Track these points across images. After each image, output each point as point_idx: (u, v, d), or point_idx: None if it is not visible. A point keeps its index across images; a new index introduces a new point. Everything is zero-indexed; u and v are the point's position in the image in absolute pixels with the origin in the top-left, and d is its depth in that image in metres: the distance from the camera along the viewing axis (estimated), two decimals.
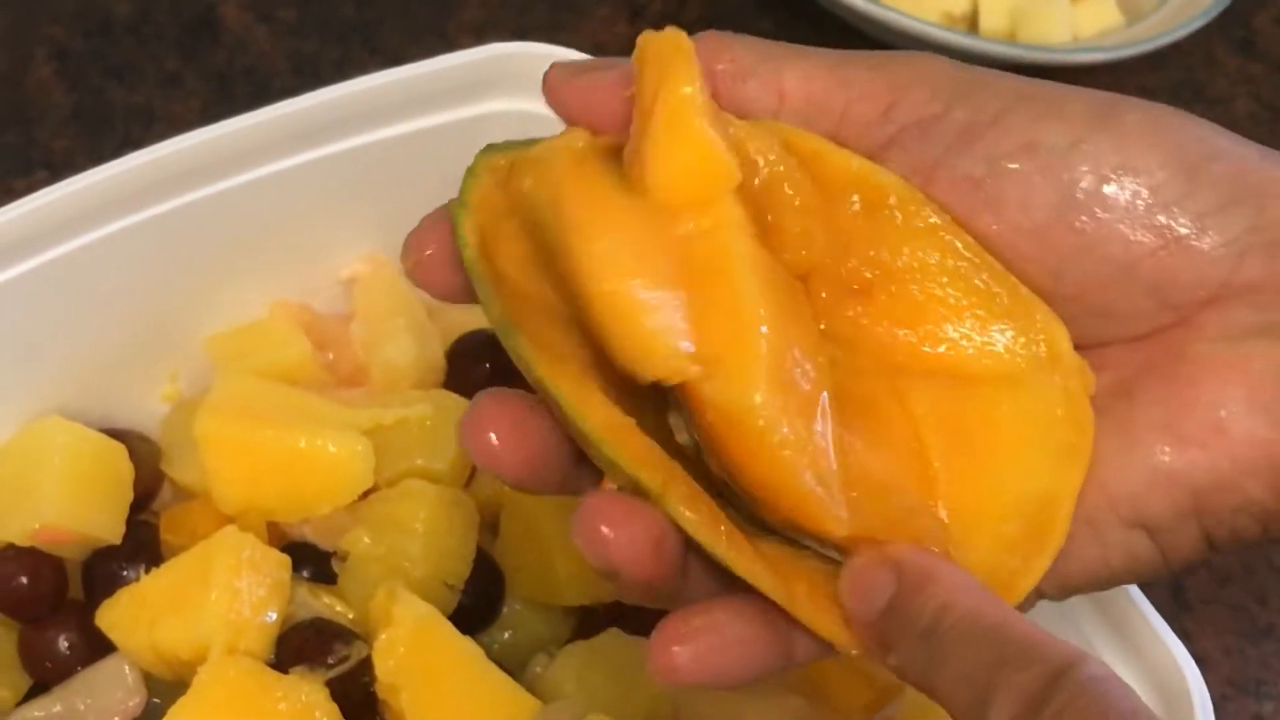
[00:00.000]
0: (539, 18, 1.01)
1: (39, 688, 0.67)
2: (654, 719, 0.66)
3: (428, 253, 0.46)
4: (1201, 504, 0.44)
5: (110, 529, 0.67)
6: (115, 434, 0.69)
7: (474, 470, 0.71)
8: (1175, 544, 0.45)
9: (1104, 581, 0.47)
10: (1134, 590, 0.62)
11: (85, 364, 0.70)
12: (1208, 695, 0.59)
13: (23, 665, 0.68)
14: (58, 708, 0.65)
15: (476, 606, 0.68)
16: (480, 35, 0.98)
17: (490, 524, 0.70)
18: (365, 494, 0.67)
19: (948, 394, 0.46)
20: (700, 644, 0.46)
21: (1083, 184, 0.44)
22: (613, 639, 0.67)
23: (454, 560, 0.67)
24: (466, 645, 0.64)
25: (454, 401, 0.70)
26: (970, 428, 0.46)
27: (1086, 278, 0.45)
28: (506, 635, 0.69)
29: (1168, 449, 0.44)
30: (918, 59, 0.47)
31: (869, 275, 0.46)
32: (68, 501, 0.66)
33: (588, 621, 0.69)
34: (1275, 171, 0.44)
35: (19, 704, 0.67)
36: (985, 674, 0.40)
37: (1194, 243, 0.43)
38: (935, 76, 0.46)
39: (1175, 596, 0.82)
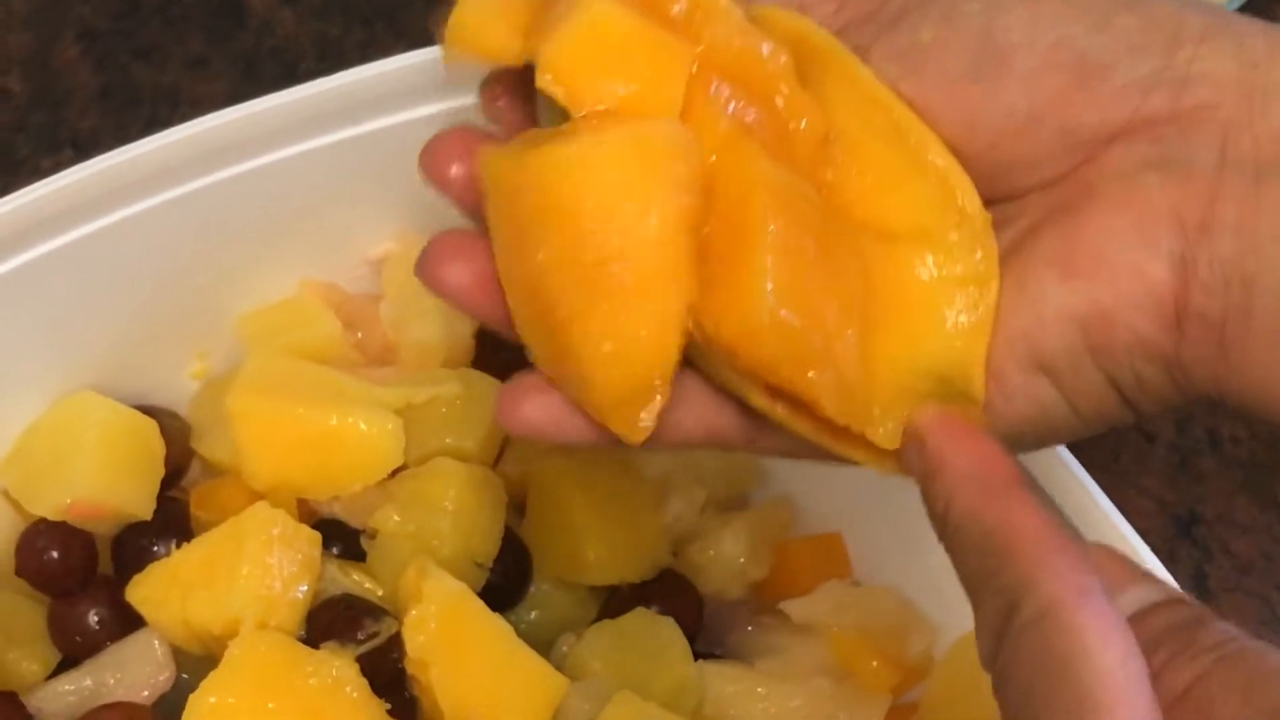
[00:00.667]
0: None
1: (68, 662, 0.68)
2: (679, 697, 0.66)
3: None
4: (1092, 340, 0.44)
5: (141, 505, 0.67)
6: (146, 411, 0.70)
7: (503, 450, 0.71)
8: (1079, 390, 0.45)
9: (1019, 440, 0.46)
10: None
11: (115, 342, 0.70)
12: None
13: (52, 639, 0.68)
14: (87, 682, 0.65)
15: (504, 585, 0.68)
16: None
17: (517, 504, 0.70)
18: (395, 472, 0.68)
19: (873, 249, 0.46)
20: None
21: (994, 40, 0.44)
22: (639, 618, 0.67)
23: (483, 539, 0.67)
24: (496, 622, 0.64)
25: (483, 381, 0.70)
26: (888, 285, 0.46)
27: (999, 129, 0.45)
28: (533, 615, 0.70)
29: (1055, 282, 0.44)
30: None
31: (814, 134, 0.46)
32: (101, 476, 0.66)
33: (614, 601, 0.70)
34: (1188, 16, 0.44)
35: (48, 678, 0.67)
36: (973, 585, 0.40)
37: (1101, 83, 0.44)
38: None
39: (1197, 584, 0.82)
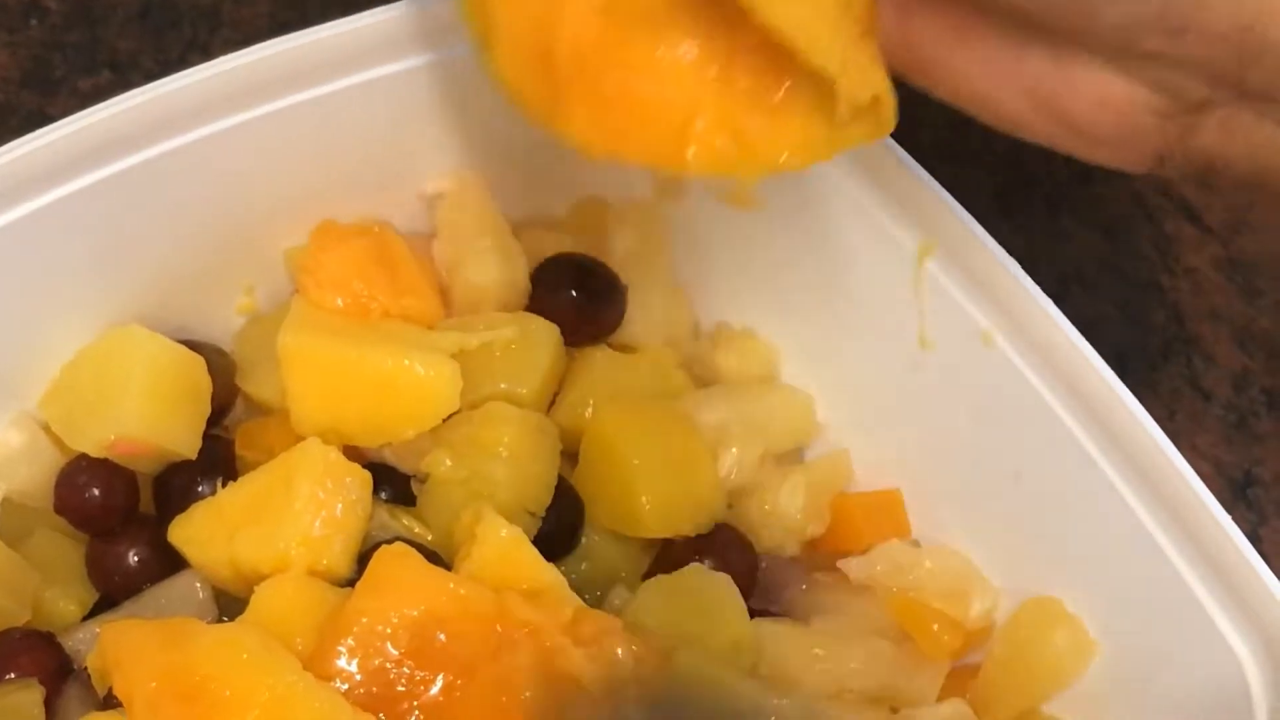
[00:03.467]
0: None
1: (106, 602, 0.66)
2: (736, 656, 0.64)
3: None
4: None
5: (187, 444, 0.65)
6: (191, 346, 0.68)
7: (556, 396, 0.69)
8: None
9: None
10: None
11: (162, 274, 0.68)
12: None
13: (90, 579, 0.66)
14: None
15: (556, 534, 0.67)
16: None
17: (570, 453, 0.69)
18: (447, 417, 0.66)
19: None
20: None
21: None
22: (696, 574, 0.66)
23: (536, 486, 0.66)
24: (549, 570, 0.63)
25: (539, 326, 0.68)
26: None
27: None
28: (584, 566, 0.68)
29: None
30: None
31: None
32: (146, 413, 0.64)
33: (666, 555, 0.68)
34: None
35: (85, 618, 0.65)
36: None
37: None
38: None
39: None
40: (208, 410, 0.66)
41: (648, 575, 0.67)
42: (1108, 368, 0.62)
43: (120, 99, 0.62)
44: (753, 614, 0.66)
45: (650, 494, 0.66)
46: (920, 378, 0.69)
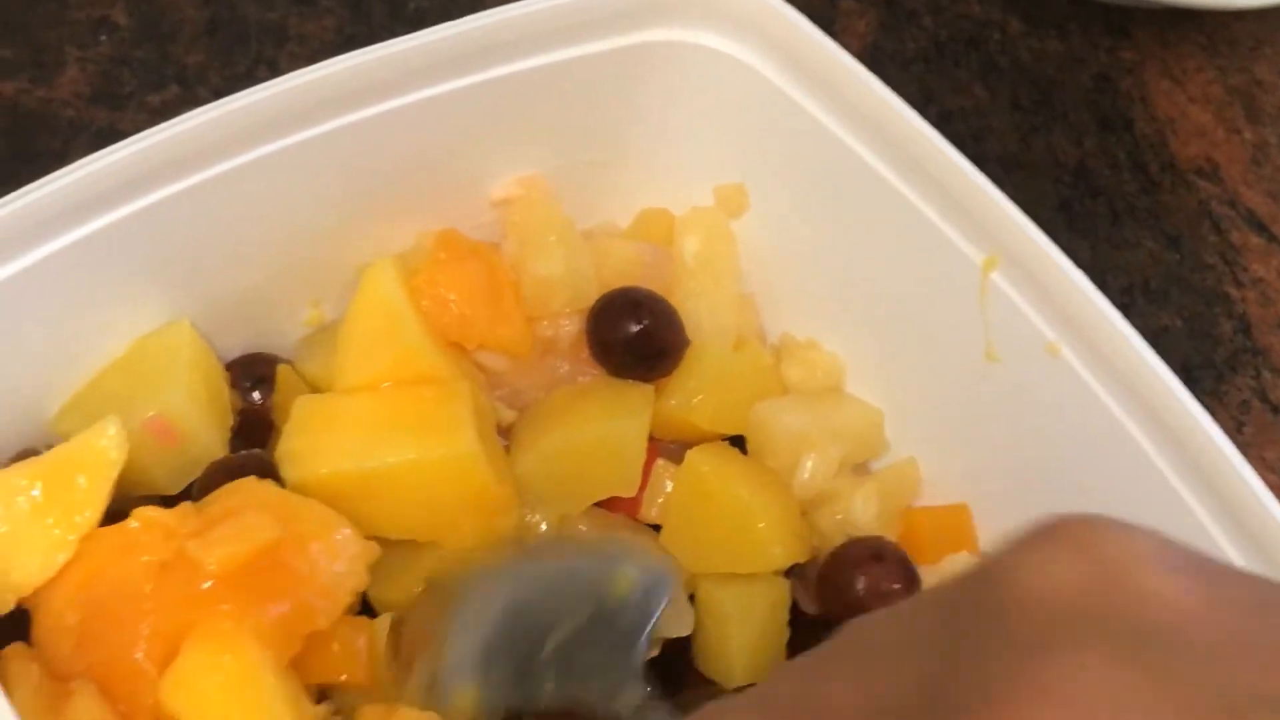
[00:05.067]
0: None
1: None
2: None
3: None
4: None
5: (216, 444, 0.66)
6: (254, 358, 0.69)
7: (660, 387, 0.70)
8: None
9: None
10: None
11: (231, 285, 0.68)
12: None
13: None
14: None
15: None
16: None
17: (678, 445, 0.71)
18: None
19: None
20: None
21: None
22: None
23: None
24: None
25: None
26: None
27: None
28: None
29: None
30: None
31: None
32: (189, 396, 0.65)
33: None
34: None
35: None
36: None
37: None
38: None
39: None
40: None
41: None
42: (1176, 379, 0.62)
43: (190, 115, 0.63)
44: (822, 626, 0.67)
45: (767, 520, 0.67)
46: (986, 391, 0.68)
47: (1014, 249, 0.65)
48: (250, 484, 0.62)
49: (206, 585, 0.58)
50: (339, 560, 0.61)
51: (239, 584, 0.58)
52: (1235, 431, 0.85)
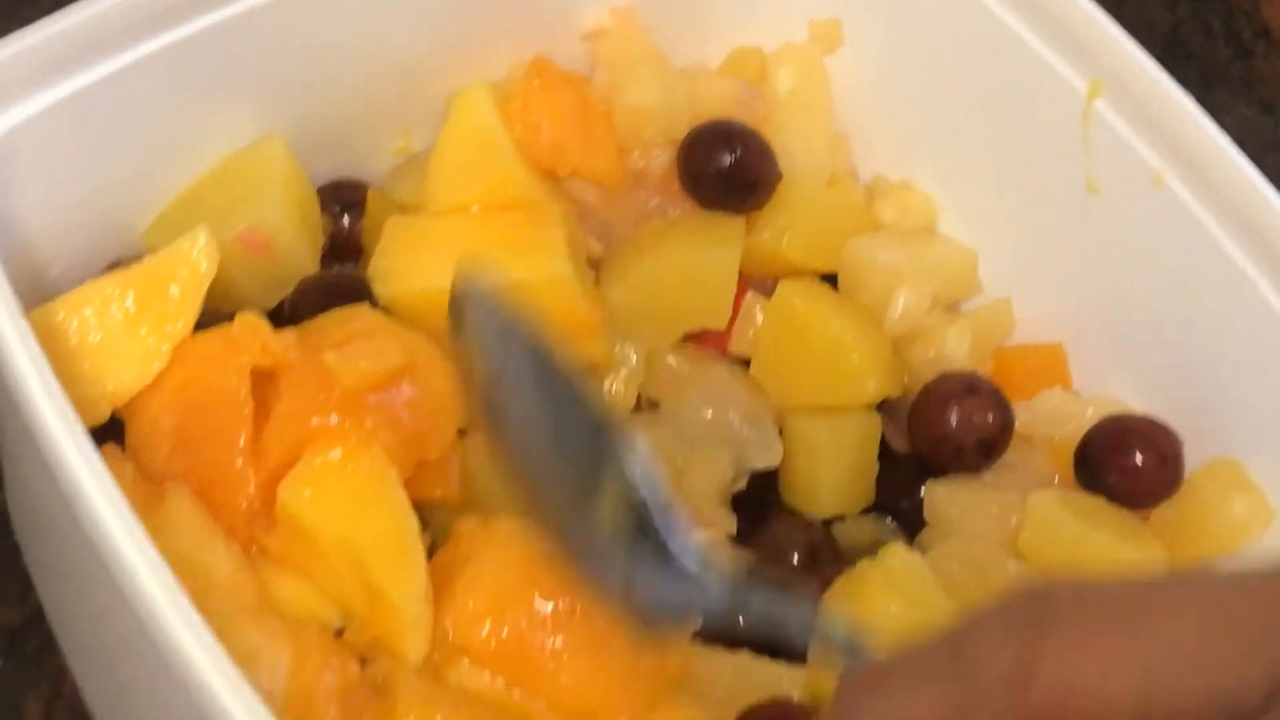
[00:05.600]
0: None
1: None
2: None
3: None
4: None
5: (309, 259, 0.66)
6: (344, 183, 0.69)
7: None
8: None
9: None
10: None
11: (322, 110, 0.68)
12: None
13: None
14: None
15: None
16: None
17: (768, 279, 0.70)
18: None
19: None
20: None
21: None
22: None
23: None
24: None
25: None
26: None
27: None
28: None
29: None
30: None
31: None
32: (283, 208, 0.64)
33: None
34: None
35: None
36: None
37: None
38: None
39: None
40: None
41: None
42: None
43: None
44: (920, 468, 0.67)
45: (860, 353, 0.66)
46: (1085, 227, 0.67)
47: (1121, 74, 0.63)
48: (366, 311, 0.62)
49: (334, 398, 0.58)
50: (449, 396, 0.61)
51: (366, 403, 0.58)
52: None
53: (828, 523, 0.67)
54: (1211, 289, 0.63)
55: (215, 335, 0.59)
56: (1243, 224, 0.62)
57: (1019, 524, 0.63)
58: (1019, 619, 0.35)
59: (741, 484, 0.67)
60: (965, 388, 0.66)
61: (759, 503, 0.67)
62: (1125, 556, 0.61)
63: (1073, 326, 0.70)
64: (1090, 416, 0.66)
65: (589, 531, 0.49)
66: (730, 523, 0.65)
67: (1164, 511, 0.64)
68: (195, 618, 0.46)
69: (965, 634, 0.35)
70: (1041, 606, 0.34)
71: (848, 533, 0.67)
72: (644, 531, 0.47)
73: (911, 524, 0.66)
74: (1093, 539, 0.61)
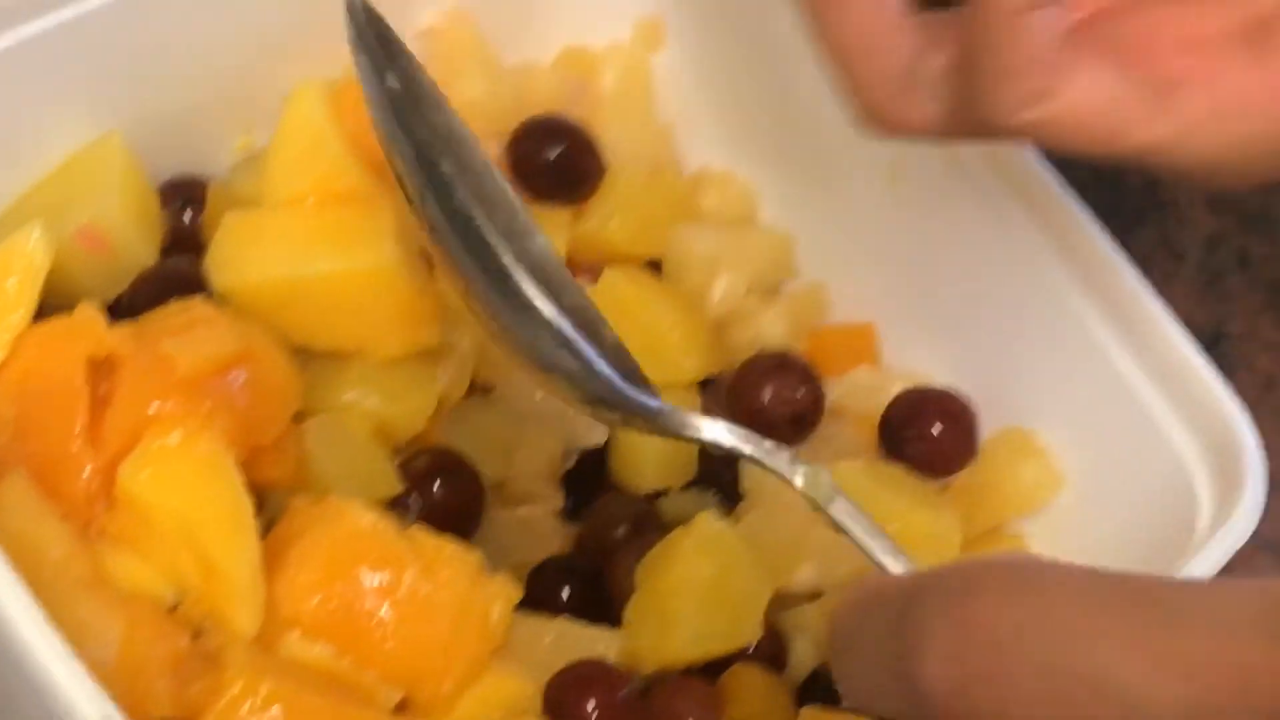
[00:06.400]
0: None
1: None
2: None
3: None
4: None
5: (147, 256, 0.68)
6: (185, 179, 0.72)
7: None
8: None
9: None
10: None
11: (162, 108, 0.70)
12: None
13: None
14: None
15: None
16: None
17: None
18: None
19: None
20: None
21: None
22: None
23: None
24: None
25: None
26: None
27: None
28: None
29: None
30: None
31: None
32: (122, 206, 0.67)
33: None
34: None
35: None
36: None
37: None
38: None
39: None
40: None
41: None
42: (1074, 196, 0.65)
43: None
44: None
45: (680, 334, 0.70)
46: (894, 211, 0.71)
47: None
48: (202, 302, 0.64)
49: (172, 384, 0.60)
50: (284, 382, 0.64)
51: (203, 388, 0.61)
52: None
53: (653, 497, 0.70)
54: (1005, 269, 0.68)
55: (52, 326, 0.61)
56: (1034, 209, 0.66)
57: None
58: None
59: (571, 462, 0.70)
60: (777, 365, 0.69)
61: (589, 480, 0.71)
62: (922, 520, 0.65)
63: (883, 307, 0.74)
64: (895, 391, 0.70)
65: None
66: (559, 499, 0.69)
67: (962, 478, 0.69)
68: (22, 590, 0.48)
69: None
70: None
71: (672, 506, 0.70)
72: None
73: (732, 496, 0.70)
74: (892, 504, 0.65)
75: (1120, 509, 0.66)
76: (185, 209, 0.71)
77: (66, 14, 0.64)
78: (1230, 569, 0.60)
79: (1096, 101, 0.48)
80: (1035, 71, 0.47)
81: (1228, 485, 0.61)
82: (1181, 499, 0.63)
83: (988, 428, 0.69)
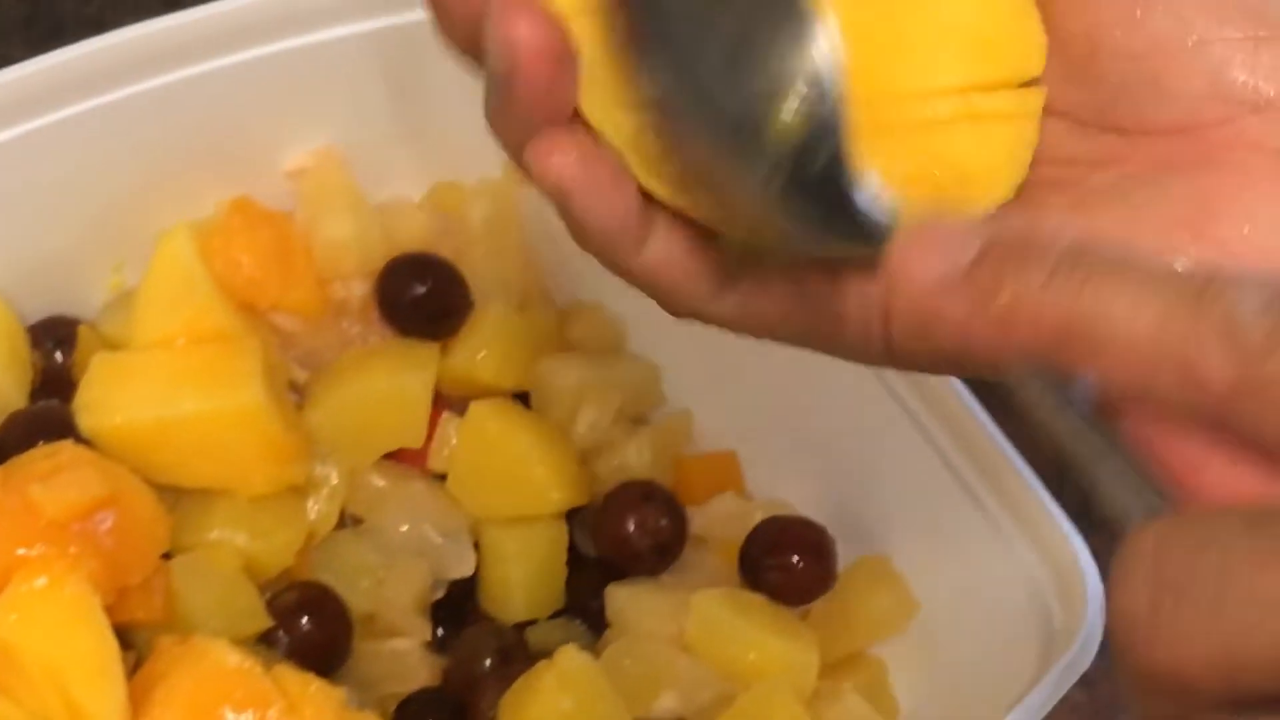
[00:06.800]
0: None
1: None
2: None
3: None
4: None
5: (16, 396, 0.69)
6: (55, 320, 0.73)
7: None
8: None
9: None
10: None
11: (29, 249, 0.71)
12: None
13: None
14: None
15: None
16: None
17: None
18: None
19: None
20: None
21: None
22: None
23: None
24: None
25: None
26: None
27: (1160, 35, 0.43)
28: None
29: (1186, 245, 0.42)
30: None
31: None
32: None
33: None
34: None
35: None
36: (1189, 287, 0.34)
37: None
38: None
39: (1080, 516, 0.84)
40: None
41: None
42: None
43: None
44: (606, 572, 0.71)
45: (545, 466, 0.71)
46: (755, 342, 0.73)
47: None
48: (71, 446, 0.65)
49: (39, 528, 0.61)
50: (152, 523, 0.65)
51: (69, 532, 0.61)
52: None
53: (521, 627, 0.71)
54: (862, 399, 0.69)
55: None
56: None
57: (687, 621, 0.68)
58: None
59: (440, 593, 0.71)
60: (641, 495, 0.71)
61: (458, 610, 0.72)
62: (780, 649, 0.66)
63: (747, 435, 0.76)
64: (757, 519, 0.71)
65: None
66: (427, 630, 0.70)
67: (820, 605, 0.70)
68: None
69: None
70: None
71: (540, 636, 0.71)
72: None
73: (598, 625, 0.71)
74: (751, 635, 0.66)
75: (977, 631, 0.68)
76: (56, 350, 0.72)
77: None
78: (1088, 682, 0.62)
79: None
80: None
81: (1073, 607, 0.63)
82: (1036, 620, 0.64)
83: (846, 553, 0.70)
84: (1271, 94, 0.42)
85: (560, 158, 0.42)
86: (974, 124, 0.44)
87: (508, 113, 0.43)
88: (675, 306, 0.47)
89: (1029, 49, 0.45)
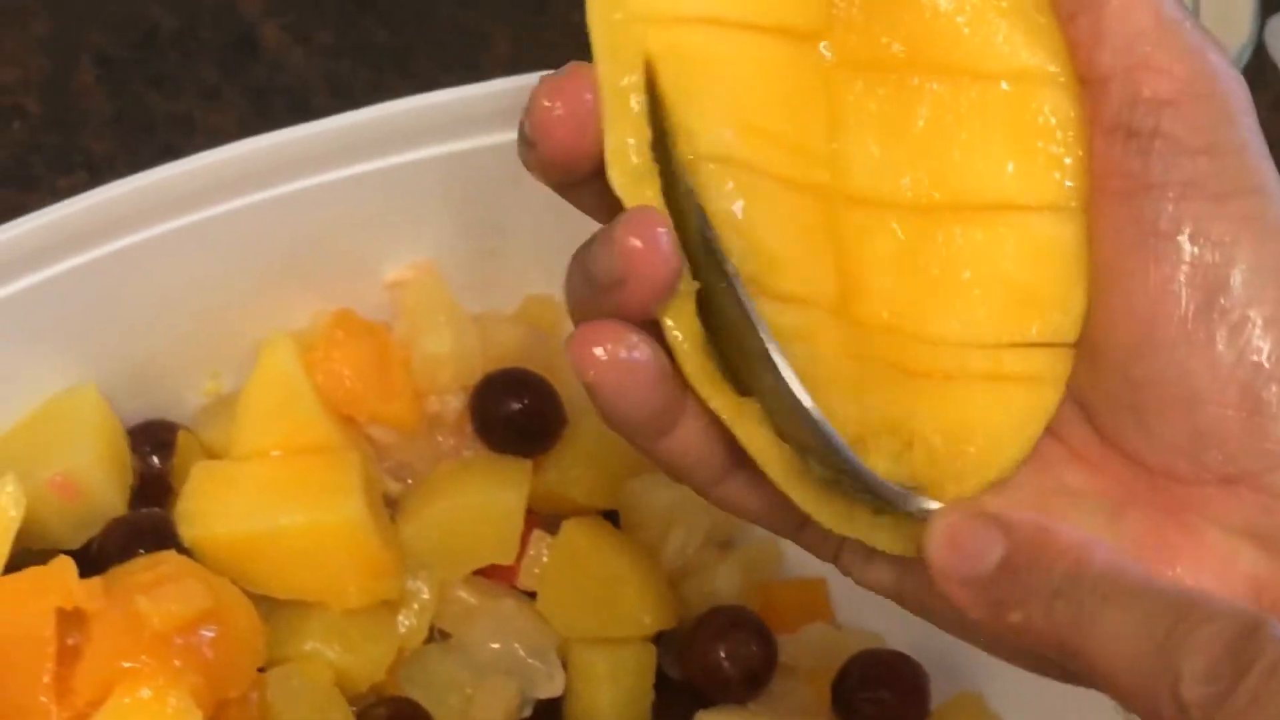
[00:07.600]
0: (565, 56, 1.03)
1: None
2: None
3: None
4: None
5: (117, 501, 0.69)
6: (155, 424, 0.73)
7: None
8: None
9: None
10: None
11: (130, 359, 0.72)
12: None
13: None
14: None
15: None
16: (511, 69, 1.00)
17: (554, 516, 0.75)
18: None
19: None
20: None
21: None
22: None
23: None
24: None
25: None
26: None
27: (1171, 378, 0.45)
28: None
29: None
30: None
31: None
32: (97, 455, 0.68)
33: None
34: None
35: None
36: (1159, 628, 0.39)
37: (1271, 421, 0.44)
38: None
39: None
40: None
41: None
42: None
43: (97, 191, 0.67)
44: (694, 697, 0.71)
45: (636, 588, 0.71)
46: None
47: None
48: (173, 556, 0.66)
49: (143, 640, 0.62)
50: (251, 636, 0.66)
51: (173, 644, 0.62)
52: None
53: None
54: None
55: (23, 578, 0.62)
56: None
57: None
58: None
59: (527, 712, 0.71)
60: (731, 621, 0.71)
61: None
62: None
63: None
64: (847, 649, 0.71)
65: None
66: None
67: None
68: None
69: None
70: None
71: None
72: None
73: None
74: None
75: None
76: (154, 454, 0.72)
77: (48, 272, 0.66)
78: None
79: None
80: None
81: None
82: None
83: (939, 690, 0.70)
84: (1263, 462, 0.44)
85: (600, 351, 0.45)
86: (998, 385, 0.46)
87: (588, 301, 0.46)
88: (683, 483, 0.50)
89: (1069, 315, 0.46)
